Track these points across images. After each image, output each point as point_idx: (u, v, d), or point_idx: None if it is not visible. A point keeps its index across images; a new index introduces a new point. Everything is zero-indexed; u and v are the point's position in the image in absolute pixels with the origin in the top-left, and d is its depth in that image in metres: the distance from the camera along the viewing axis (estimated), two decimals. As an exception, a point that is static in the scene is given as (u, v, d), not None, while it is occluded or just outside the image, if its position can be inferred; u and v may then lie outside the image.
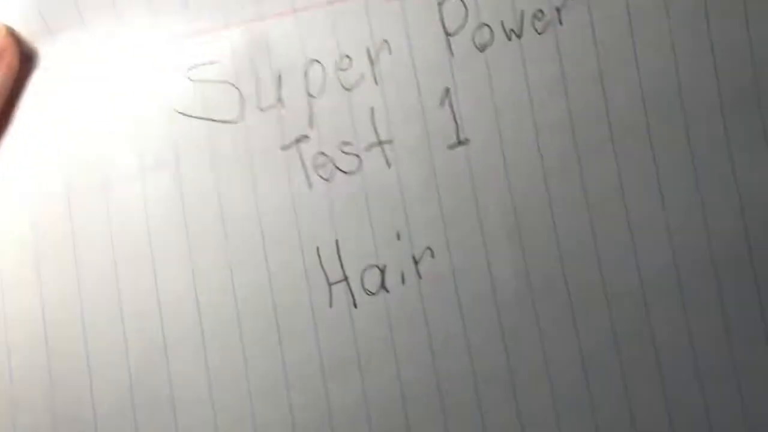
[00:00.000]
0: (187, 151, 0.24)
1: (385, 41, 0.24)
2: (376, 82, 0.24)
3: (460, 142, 0.24)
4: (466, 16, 0.24)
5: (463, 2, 0.24)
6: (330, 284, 0.24)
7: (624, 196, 0.24)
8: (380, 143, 0.24)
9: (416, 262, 0.24)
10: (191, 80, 0.24)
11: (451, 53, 0.24)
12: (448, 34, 0.24)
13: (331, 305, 0.24)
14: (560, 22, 0.24)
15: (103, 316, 0.24)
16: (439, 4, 0.24)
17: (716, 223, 0.24)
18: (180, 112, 0.24)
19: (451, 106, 0.24)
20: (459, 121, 0.24)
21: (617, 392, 0.24)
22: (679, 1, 0.24)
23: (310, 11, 0.24)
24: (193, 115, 0.24)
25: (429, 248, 0.24)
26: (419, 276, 0.24)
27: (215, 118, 0.24)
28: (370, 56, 0.24)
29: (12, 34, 0.24)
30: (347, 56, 0.24)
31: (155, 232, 0.24)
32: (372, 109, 0.24)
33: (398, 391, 0.24)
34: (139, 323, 0.24)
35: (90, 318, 0.24)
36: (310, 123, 0.24)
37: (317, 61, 0.24)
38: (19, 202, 0.24)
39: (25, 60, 0.24)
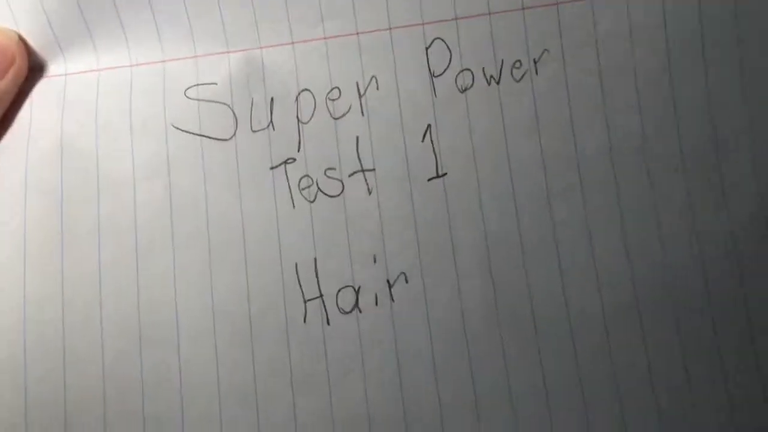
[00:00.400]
0: (179, 164, 0.25)
1: (374, 77, 0.26)
2: (362, 114, 0.26)
3: (438, 176, 0.26)
4: (450, 60, 0.26)
5: (448, 47, 0.26)
6: (305, 300, 0.25)
7: (590, 235, 0.25)
8: (363, 171, 0.26)
9: (390, 286, 0.25)
10: (189, 98, 0.26)
11: (435, 93, 0.26)
12: (432, 75, 0.26)
13: (305, 321, 0.25)
14: (536, 72, 0.26)
15: (83, 314, 0.25)
16: (426, 48, 0.26)
17: (677, 267, 0.25)
18: (176, 127, 0.25)
19: (432, 141, 0.26)
20: (438, 156, 0.26)
21: (579, 422, 0.24)
22: (646, 62, 0.26)
23: (305, 44, 0.26)
24: (188, 130, 0.25)
25: (403, 273, 0.25)
26: (392, 299, 0.25)
27: (209, 135, 0.25)
28: (358, 89, 0.26)
29: (23, 42, 0.25)
30: (337, 88, 0.26)
31: (142, 238, 0.25)
32: (357, 138, 0.26)
33: (365, 409, 0.24)
34: (117, 323, 0.25)
35: (69, 315, 0.25)
36: (298, 147, 0.26)
37: (308, 90, 0.26)
38: (12, 202, 0.25)
39: (32, 69, 0.25)
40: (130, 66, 0.26)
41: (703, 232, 0.25)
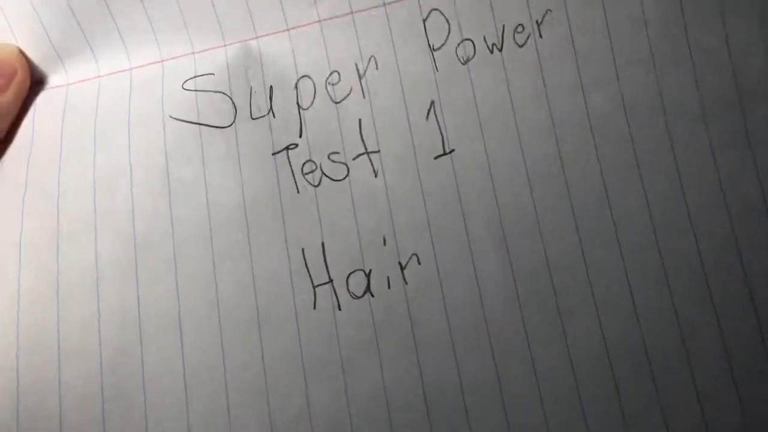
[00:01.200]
0: (177, 153, 0.25)
1: (373, 57, 0.25)
2: (363, 95, 0.25)
3: (445, 153, 0.25)
4: (449, 31, 0.25)
5: (446, 17, 0.25)
6: (315, 286, 0.24)
7: (609, 202, 0.24)
8: (367, 153, 0.25)
9: (402, 268, 0.24)
10: (186, 90, 0.25)
11: (436, 67, 0.25)
12: (432, 48, 0.25)
13: (315, 307, 0.24)
14: (540, 35, 0.25)
15: (80, 308, 0.24)
16: (423, 20, 0.25)
17: (702, 227, 0.23)
18: (173, 117, 0.25)
19: (436, 118, 0.25)
20: (444, 133, 0.25)
21: (607, 397, 0.23)
22: (657, 11, 0.24)
23: (301, 29, 0.26)
24: (186, 119, 0.25)
25: (415, 254, 0.24)
26: (405, 281, 0.24)
27: (207, 123, 0.25)
28: (358, 71, 0.25)
29: (24, 56, 0.25)
30: (336, 71, 0.25)
31: (141, 228, 0.25)
32: (360, 121, 0.25)
33: (382, 395, 0.23)
34: (116, 317, 0.24)
35: (65, 310, 0.24)
36: (300, 133, 0.25)
37: (308, 76, 0.25)
38: (10, 212, 0.25)
39: (33, 82, 0.26)
40: (130, 70, 0.26)
41: (729, 185, 0.23)
